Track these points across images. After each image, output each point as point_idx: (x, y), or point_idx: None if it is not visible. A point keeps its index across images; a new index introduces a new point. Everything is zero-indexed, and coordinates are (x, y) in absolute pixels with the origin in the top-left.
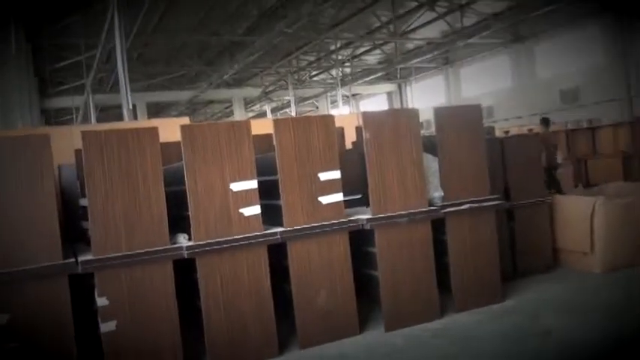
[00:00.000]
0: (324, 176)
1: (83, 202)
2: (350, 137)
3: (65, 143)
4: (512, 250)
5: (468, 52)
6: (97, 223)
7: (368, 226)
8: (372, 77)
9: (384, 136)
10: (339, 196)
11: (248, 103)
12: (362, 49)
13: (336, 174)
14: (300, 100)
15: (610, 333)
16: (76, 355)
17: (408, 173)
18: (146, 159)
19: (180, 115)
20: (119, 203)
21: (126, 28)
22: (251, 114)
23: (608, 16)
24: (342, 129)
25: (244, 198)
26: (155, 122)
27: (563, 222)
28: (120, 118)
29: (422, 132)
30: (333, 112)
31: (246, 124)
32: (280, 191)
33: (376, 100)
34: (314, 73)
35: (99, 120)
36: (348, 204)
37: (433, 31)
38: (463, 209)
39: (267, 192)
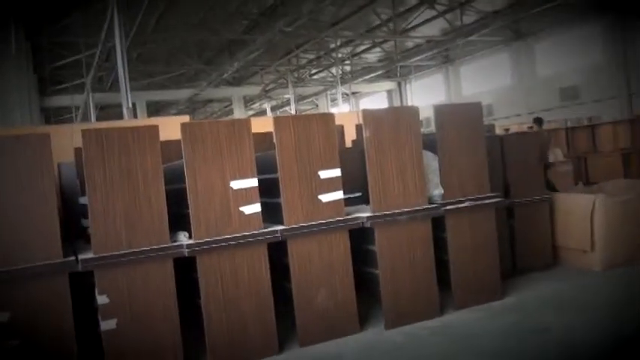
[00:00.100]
0: (324, 174)
1: (83, 200)
2: (350, 135)
3: (65, 142)
4: (512, 247)
5: (467, 50)
6: (97, 221)
7: (368, 224)
8: (372, 75)
9: (384, 133)
10: (339, 194)
11: (248, 101)
12: (362, 47)
13: (336, 172)
14: (300, 99)
15: (610, 331)
16: (77, 352)
17: (408, 171)
18: (146, 157)
19: (179, 114)
20: (119, 201)
21: (125, 27)
22: (251, 112)
23: (608, 14)
24: (342, 127)
25: (244, 196)
26: (155, 121)
27: (563, 220)
28: (120, 116)
29: (422, 130)
30: (333, 110)
31: (246, 122)
32: (280, 189)
33: (376, 98)
34: (314, 71)
35: (98, 119)
36: (348, 202)
37: (433, 29)
38: (463, 207)
39: (268, 190)
